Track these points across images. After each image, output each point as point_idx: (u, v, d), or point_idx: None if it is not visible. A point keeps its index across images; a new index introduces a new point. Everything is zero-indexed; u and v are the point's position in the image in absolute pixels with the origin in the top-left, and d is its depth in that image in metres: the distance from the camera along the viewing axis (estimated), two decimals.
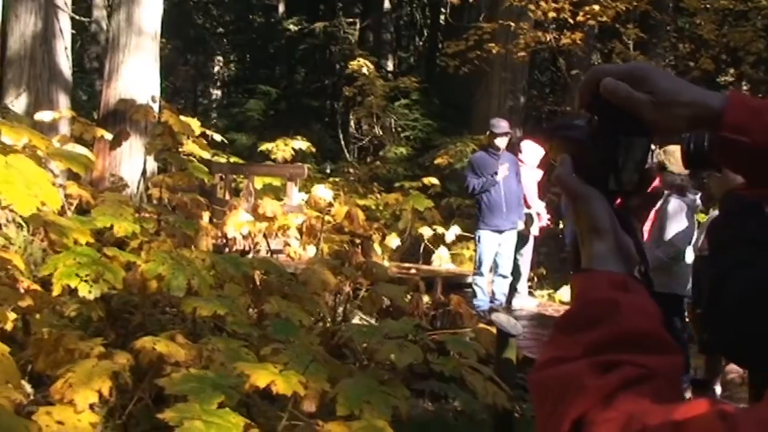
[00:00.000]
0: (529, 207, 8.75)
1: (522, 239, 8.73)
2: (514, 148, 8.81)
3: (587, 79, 0.96)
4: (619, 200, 0.98)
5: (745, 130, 0.92)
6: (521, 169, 8.54)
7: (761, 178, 0.97)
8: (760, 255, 1.42)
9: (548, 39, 13.47)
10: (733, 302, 1.30)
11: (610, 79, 0.93)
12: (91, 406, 2.84)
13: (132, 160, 10.15)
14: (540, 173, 9.00)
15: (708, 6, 12.86)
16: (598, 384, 0.77)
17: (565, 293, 10.82)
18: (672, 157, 5.36)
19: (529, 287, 9.98)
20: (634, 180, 0.97)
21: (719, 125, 0.93)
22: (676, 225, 5.60)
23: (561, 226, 10.29)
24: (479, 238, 8.34)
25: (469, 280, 8.93)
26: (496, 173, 8.02)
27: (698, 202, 6.24)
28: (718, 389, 5.86)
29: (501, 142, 8.21)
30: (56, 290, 3.52)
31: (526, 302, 9.31)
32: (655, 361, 0.80)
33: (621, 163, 0.95)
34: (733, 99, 0.93)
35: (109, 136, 7.68)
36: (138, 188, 8.85)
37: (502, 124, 8.36)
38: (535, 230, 8.97)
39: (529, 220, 8.74)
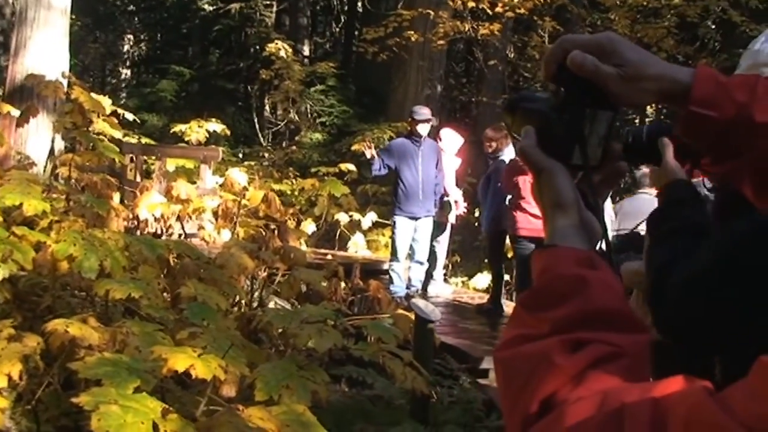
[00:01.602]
0: (447, 194, 8.80)
1: (439, 226, 8.79)
2: (431, 135, 8.84)
3: (554, 50, 0.94)
4: (580, 177, 0.96)
5: (713, 104, 0.92)
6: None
7: (726, 153, 0.96)
8: (702, 244, 1.43)
9: (466, 29, 13.57)
10: (679, 290, 1.30)
11: (578, 51, 0.91)
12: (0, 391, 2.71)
13: (39, 138, 9.74)
14: (458, 161, 9.06)
15: (622, 2, 13.17)
16: (568, 362, 0.75)
17: (478, 281, 10.97)
18: None
19: (444, 274, 10.07)
20: (598, 155, 0.95)
21: (687, 99, 0.92)
22: None
23: (477, 214, 10.40)
24: (395, 224, 8.37)
25: (386, 266, 8.95)
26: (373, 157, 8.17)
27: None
28: None
29: (423, 129, 8.22)
30: None
31: (442, 289, 9.38)
32: (624, 339, 0.78)
33: (586, 137, 0.93)
34: (702, 73, 0.92)
35: (15, 112, 7.37)
36: (45, 167, 8.54)
37: (423, 111, 8.37)
38: (452, 218, 9.04)
39: (447, 207, 8.80)
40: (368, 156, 8.24)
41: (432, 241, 8.69)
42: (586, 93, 0.91)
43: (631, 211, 6.08)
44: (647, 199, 6.62)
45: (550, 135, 0.93)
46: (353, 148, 14.01)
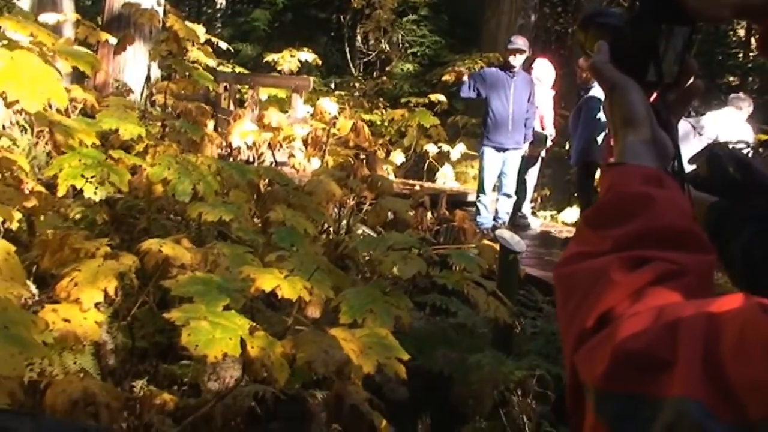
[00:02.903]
0: (544, 127, 8.66)
1: (530, 159, 8.68)
2: (525, 68, 8.66)
3: None
4: (655, 95, 0.94)
5: None
6: (536, 89, 8.37)
7: None
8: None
9: None
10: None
11: None
12: (97, 306, 2.84)
13: (136, 66, 10.02)
14: (553, 93, 8.88)
15: None
16: (627, 279, 0.74)
17: (567, 215, 10.85)
18: None
19: (533, 208, 9.98)
20: (674, 72, 0.92)
21: (766, 14, 0.88)
22: (684, 148, 5.57)
23: (567, 147, 10.24)
24: (482, 154, 8.28)
25: (473, 198, 8.92)
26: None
27: (702, 122, 6.22)
28: None
29: (516, 60, 8.04)
30: (61, 190, 3.47)
31: (530, 222, 9.31)
32: (687, 258, 0.76)
33: (661, 53, 0.90)
34: None
35: (113, 40, 7.55)
36: (142, 94, 8.77)
37: (519, 41, 8.16)
38: (543, 152, 8.92)
39: (541, 140, 8.66)
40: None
41: (522, 174, 8.60)
42: (662, 7, 0.89)
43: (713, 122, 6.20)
44: (732, 113, 6.60)
45: (624, 51, 0.91)
46: (444, 78, 13.88)
